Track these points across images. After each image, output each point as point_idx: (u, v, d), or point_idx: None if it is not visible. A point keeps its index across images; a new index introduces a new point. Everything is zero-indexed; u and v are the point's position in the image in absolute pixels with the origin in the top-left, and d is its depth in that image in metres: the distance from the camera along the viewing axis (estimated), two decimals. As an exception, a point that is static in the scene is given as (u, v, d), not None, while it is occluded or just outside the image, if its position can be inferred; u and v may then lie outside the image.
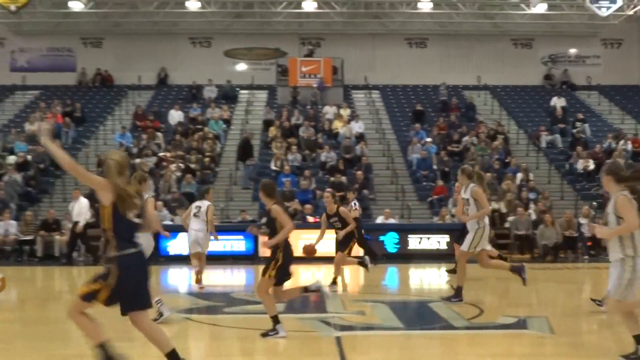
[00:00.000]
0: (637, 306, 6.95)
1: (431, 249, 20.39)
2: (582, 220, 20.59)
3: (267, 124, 28.18)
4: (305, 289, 8.62)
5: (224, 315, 10.56)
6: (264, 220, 19.68)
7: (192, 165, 24.42)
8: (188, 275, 17.44)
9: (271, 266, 8.21)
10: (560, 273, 17.28)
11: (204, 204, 13.32)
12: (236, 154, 26.17)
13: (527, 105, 31.54)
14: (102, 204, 5.96)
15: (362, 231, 16.03)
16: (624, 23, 32.23)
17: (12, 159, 24.63)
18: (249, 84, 32.99)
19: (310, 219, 20.66)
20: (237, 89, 32.32)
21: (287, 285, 8.58)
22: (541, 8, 30.99)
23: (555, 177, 25.62)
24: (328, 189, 14.24)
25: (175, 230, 20.15)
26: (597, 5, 28.75)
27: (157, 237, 19.73)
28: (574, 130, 27.60)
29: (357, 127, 27.76)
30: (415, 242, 20.58)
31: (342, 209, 13.26)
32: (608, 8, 28.83)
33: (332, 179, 23.00)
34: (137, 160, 24.29)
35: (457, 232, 20.51)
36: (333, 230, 13.35)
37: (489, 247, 12.45)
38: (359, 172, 23.59)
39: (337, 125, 27.65)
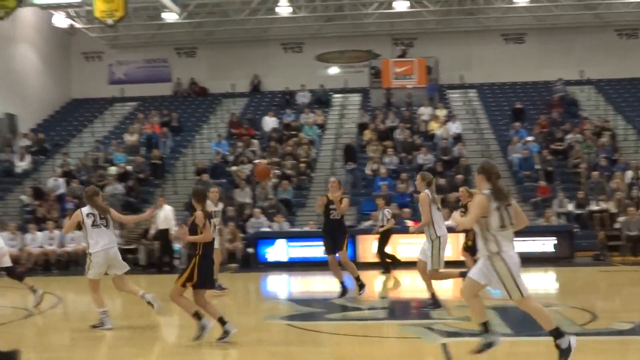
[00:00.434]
0: None
1: (536, 251, 19.44)
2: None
3: (362, 127, 27.80)
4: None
5: (325, 322, 10.26)
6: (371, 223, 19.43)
7: (288, 172, 24.29)
8: (287, 281, 17.27)
9: (186, 273, 8.34)
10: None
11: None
12: (342, 158, 25.83)
13: (635, 99, 29.95)
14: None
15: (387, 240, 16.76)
16: None
17: (112, 169, 25.12)
18: (342, 87, 32.70)
19: (409, 222, 20.09)
20: (330, 93, 32.11)
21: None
22: (647, -5, 29.43)
23: (668, 174, 24.13)
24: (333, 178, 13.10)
25: (273, 237, 20.16)
26: None
27: (255, 243, 19.79)
28: (688, 124, 26.02)
29: (454, 127, 27.01)
30: (520, 244, 19.63)
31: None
32: None
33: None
34: (234, 168, 24.38)
35: (565, 234, 19.82)
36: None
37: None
38: (460, 176, 22.69)
39: (434, 127, 26.99)
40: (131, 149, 26.73)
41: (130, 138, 27.41)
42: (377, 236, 17.30)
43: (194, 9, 31.03)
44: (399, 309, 12.02)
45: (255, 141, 26.86)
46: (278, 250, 19.81)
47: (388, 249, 17.44)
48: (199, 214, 8.45)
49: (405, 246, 18.54)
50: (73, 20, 30.90)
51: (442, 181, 22.23)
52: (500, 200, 6.54)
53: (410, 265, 13.84)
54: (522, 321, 8.43)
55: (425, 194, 10.29)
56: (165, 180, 25.98)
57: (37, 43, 31.82)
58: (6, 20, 25.88)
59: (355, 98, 32.19)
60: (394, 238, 17.74)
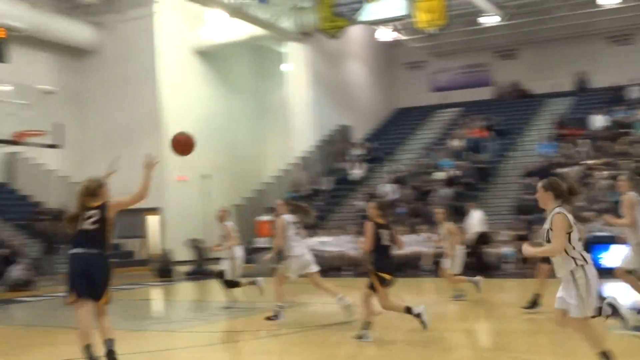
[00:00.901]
0: None
1: None
2: None
3: None
4: None
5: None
6: None
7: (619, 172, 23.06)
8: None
9: None
10: None
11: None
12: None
13: None
14: None
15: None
16: None
17: (439, 175, 25.96)
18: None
19: None
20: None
21: None
22: None
23: None
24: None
25: (607, 242, 19.32)
26: None
27: (590, 248, 19.14)
28: None
29: None
30: None
31: None
32: None
33: None
34: (565, 170, 23.74)
35: None
36: None
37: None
38: None
39: None
40: (456, 154, 27.39)
41: (455, 143, 28.07)
42: None
43: (514, 9, 30.81)
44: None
45: (583, 141, 25.91)
46: (613, 256, 18.95)
47: None
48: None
49: None
50: (398, 32, 32.47)
51: None
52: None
53: None
54: None
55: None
56: (491, 184, 26.16)
57: (365, 57, 34.09)
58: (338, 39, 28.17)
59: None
60: None
